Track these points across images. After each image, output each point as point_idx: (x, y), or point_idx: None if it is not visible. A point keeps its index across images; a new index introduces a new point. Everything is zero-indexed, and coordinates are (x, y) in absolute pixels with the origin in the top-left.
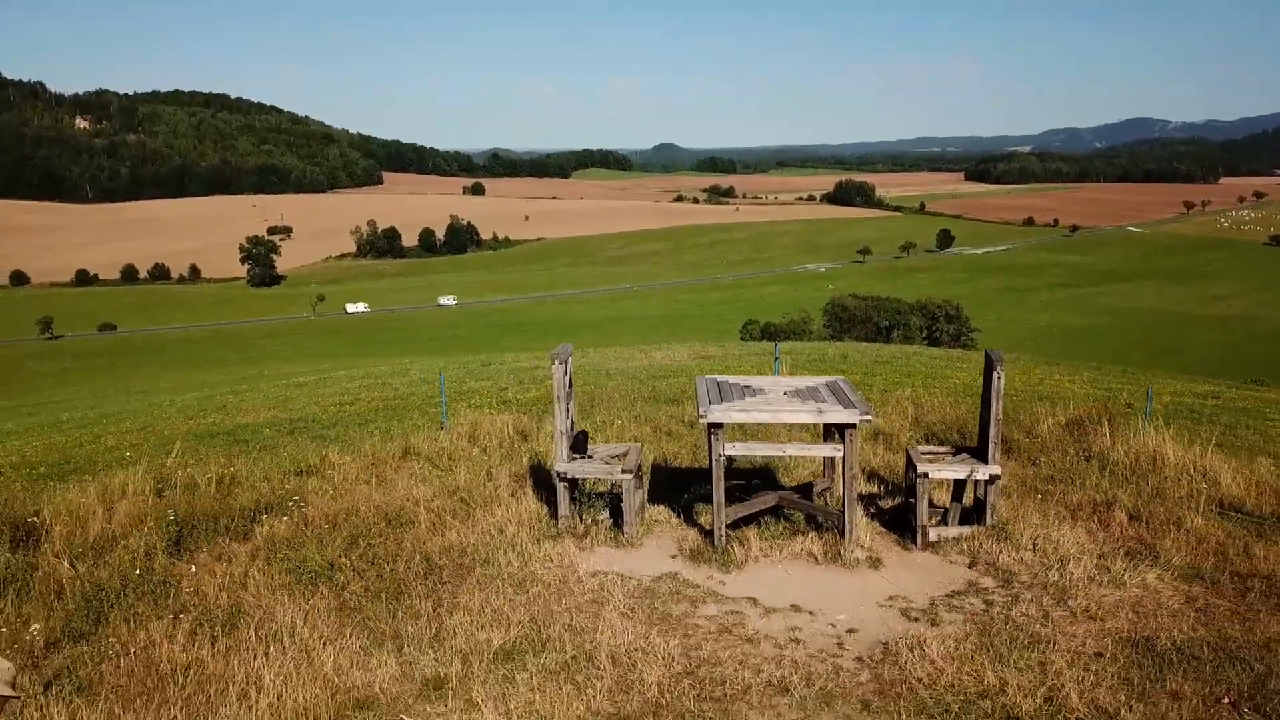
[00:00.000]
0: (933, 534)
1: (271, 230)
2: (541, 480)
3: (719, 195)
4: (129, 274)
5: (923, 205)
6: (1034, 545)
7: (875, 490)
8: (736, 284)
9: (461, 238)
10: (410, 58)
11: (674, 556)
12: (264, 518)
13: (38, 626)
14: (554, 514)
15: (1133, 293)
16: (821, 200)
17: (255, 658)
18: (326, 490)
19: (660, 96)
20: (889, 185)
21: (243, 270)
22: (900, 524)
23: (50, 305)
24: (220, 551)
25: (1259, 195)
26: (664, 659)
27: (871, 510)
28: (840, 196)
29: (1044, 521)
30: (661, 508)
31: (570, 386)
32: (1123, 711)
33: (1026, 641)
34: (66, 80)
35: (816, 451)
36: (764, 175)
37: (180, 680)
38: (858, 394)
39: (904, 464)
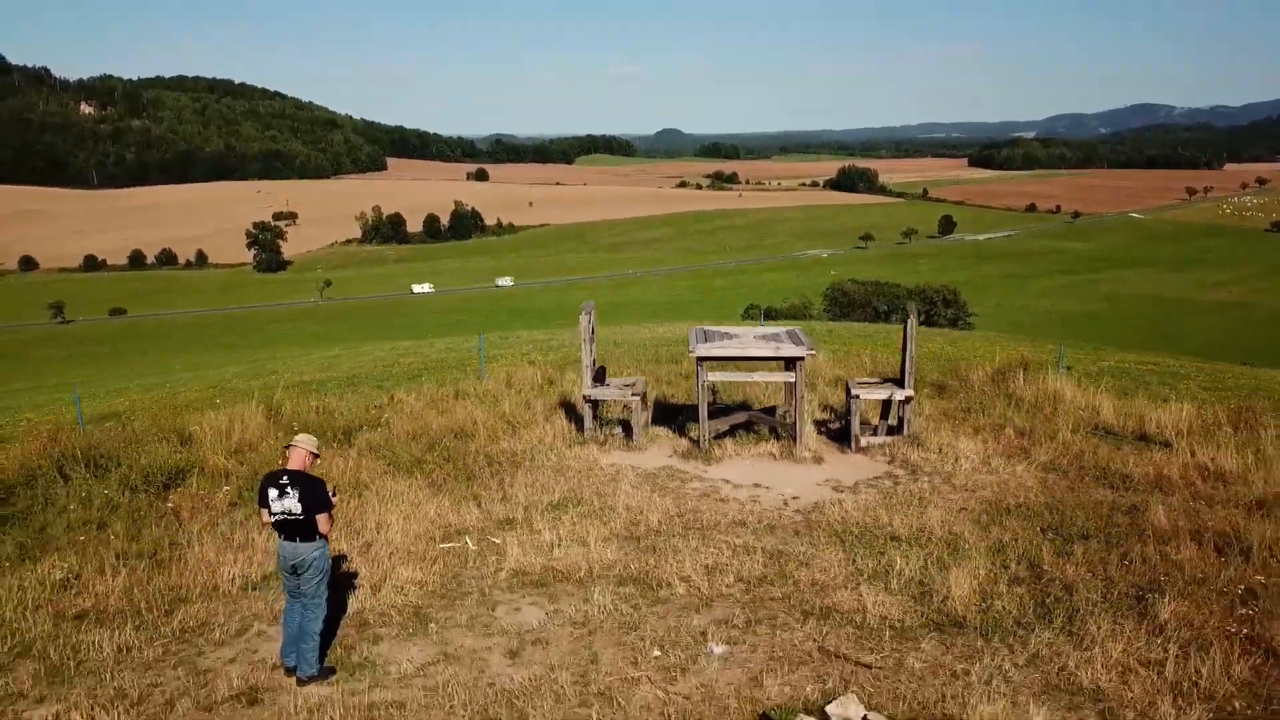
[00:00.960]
0: (863, 441)
1: (277, 216)
2: (568, 409)
3: (722, 181)
4: (136, 259)
5: (925, 191)
6: (939, 449)
7: (828, 418)
8: (738, 270)
9: (466, 223)
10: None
11: (670, 456)
12: (358, 433)
13: (219, 494)
14: (580, 429)
15: (1133, 279)
16: (824, 186)
17: (380, 509)
18: (402, 416)
19: (664, 82)
20: (892, 171)
21: (249, 256)
22: (842, 437)
23: (60, 290)
24: (332, 453)
25: (1261, 181)
26: (661, 509)
27: (822, 430)
28: (843, 183)
29: (952, 435)
30: (661, 428)
31: (593, 332)
32: (967, 534)
33: (915, 502)
34: (70, 66)
35: (776, 378)
36: (767, 161)
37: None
38: (808, 338)
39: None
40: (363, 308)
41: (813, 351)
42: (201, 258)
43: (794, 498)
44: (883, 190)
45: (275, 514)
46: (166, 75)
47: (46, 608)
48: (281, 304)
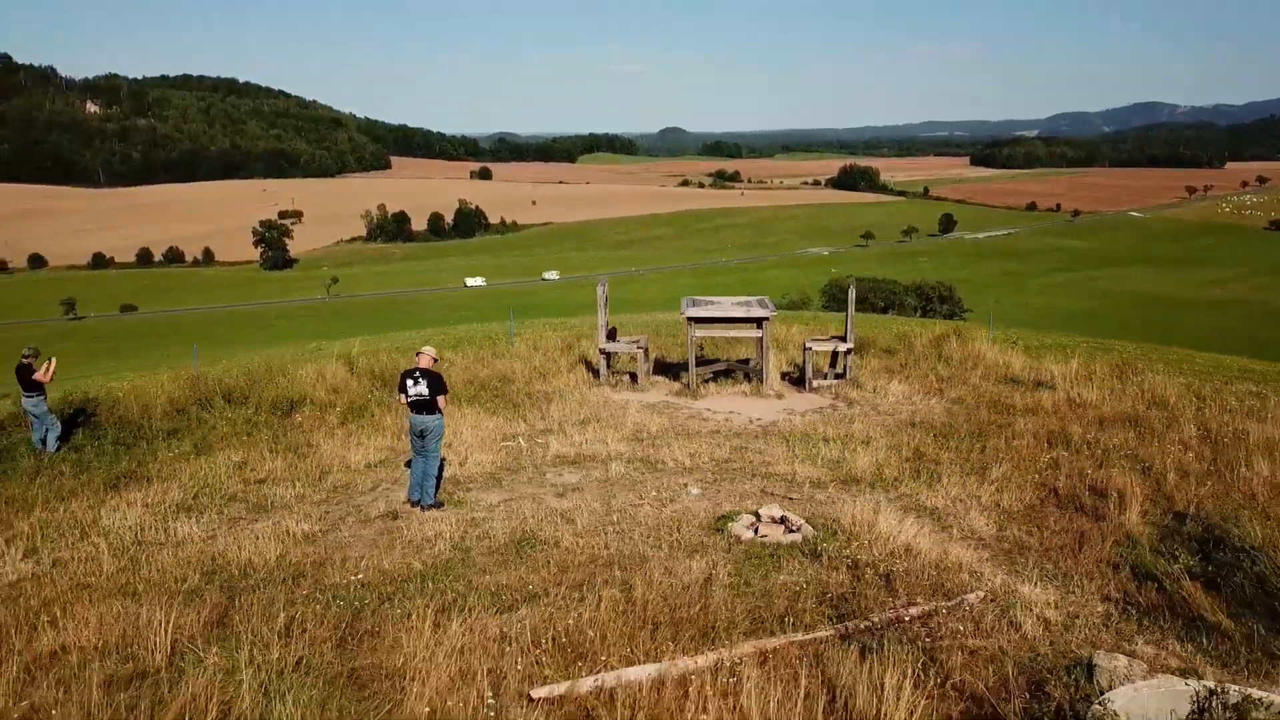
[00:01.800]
0: (814, 383)
1: (282, 214)
2: (586, 365)
3: (724, 179)
4: (144, 257)
5: (926, 190)
6: (873, 389)
7: (793, 370)
8: (740, 268)
9: (470, 222)
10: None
11: (666, 395)
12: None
13: (331, 414)
14: (596, 376)
15: (1130, 277)
16: (826, 185)
17: (452, 424)
18: (454, 369)
19: (667, 80)
20: (894, 170)
21: (255, 254)
22: (800, 382)
23: (70, 287)
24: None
25: (1262, 180)
26: (658, 424)
27: (786, 377)
28: (845, 181)
29: (886, 380)
30: (659, 377)
31: (606, 300)
32: (877, 436)
33: (846, 420)
34: (76, 65)
35: (748, 334)
36: (769, 160)
37: None
38: (772, 303)
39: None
40: (370, 304)
41: (775, 313)
42: (208, 255)
43: (757, 419)
44: (884, 189)
45: (411, 396)
46: (172, 74)
47: (235, 477)
48: (290, 301)
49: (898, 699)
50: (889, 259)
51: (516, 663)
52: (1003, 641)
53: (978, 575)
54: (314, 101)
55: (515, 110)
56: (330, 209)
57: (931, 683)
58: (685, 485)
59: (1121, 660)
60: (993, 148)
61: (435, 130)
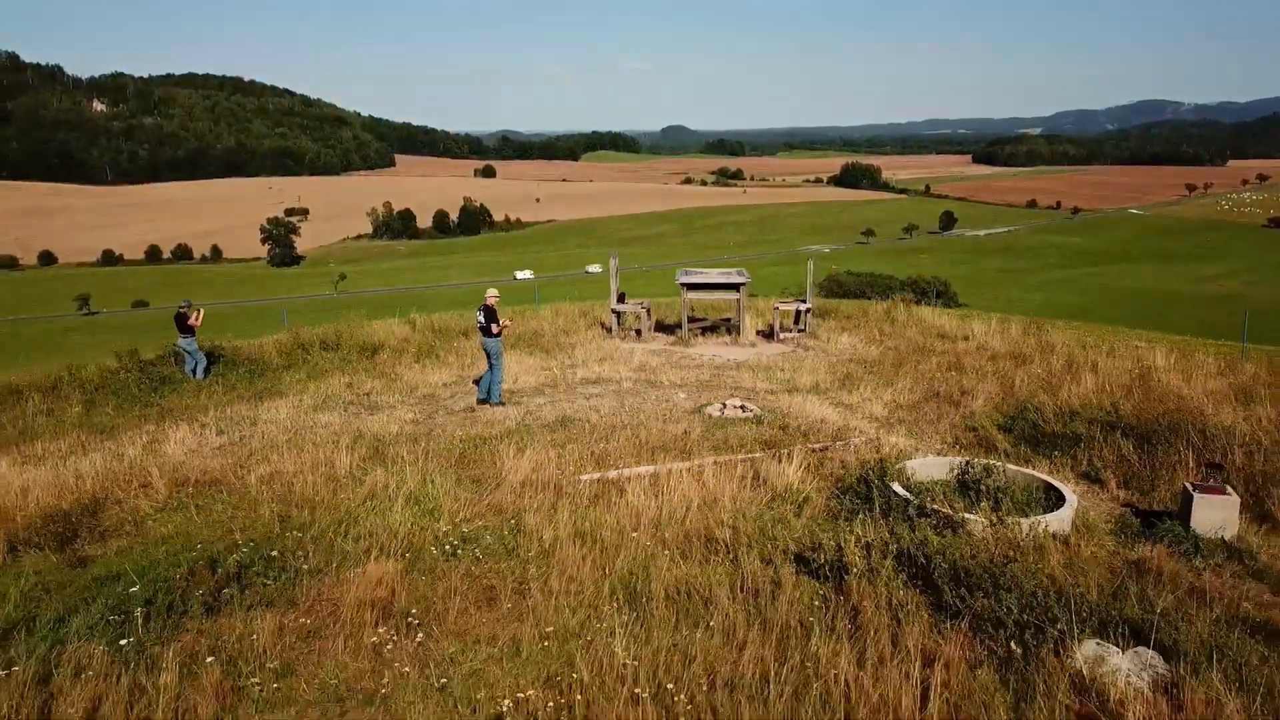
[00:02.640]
0: (781, 335)
1: (289, 212)
2: (600, 326)
3: (727, 177)
4: (153, 254)
5: (928, 188)
6: (827, 339)
7: (767, 329)
8: (741, 264)
9: (474, 219)
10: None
11: (664, 344)
12: (470, 335)
13: (407, 354)
14: (609, 332)
15: (1127, 273)
16: (828, 183)
17: (502, 361)
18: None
19: (671, 78)
20: (896, 168)
21: (263, 251)
22: (770, 335)
23: (82, 283)
24: (459, 342)
25: (1262, 178)
26: (657, 361)
27: (760, 333)
28: (847, 179)
29: (838, 335)
30: (659, 333)
31: (617, 270)
32: (822, 368)
33: (800, 359)
34: (82, 64)
35: (729, 296)
36: (772, 158)
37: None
38: (748, 274)
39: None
40: (379, 299)
41: (749, 280)
42: (216, 252)
43: (733, 359)
44: (886, 187)
45: (479, 324)
46: (177, 73)
47: (347, 391)
48: (299, 296)
49: (792, 476)
50: (889, 256)
51: (569, 466)
52: (866, 456)
53: (864, 432)
54: (319, 100)
55: (519, 108)
56: (336, 206)
57: (813, 472)
58: (676, 392)
59: (929, 455)
60: (995, 145)
61: (439, 128)
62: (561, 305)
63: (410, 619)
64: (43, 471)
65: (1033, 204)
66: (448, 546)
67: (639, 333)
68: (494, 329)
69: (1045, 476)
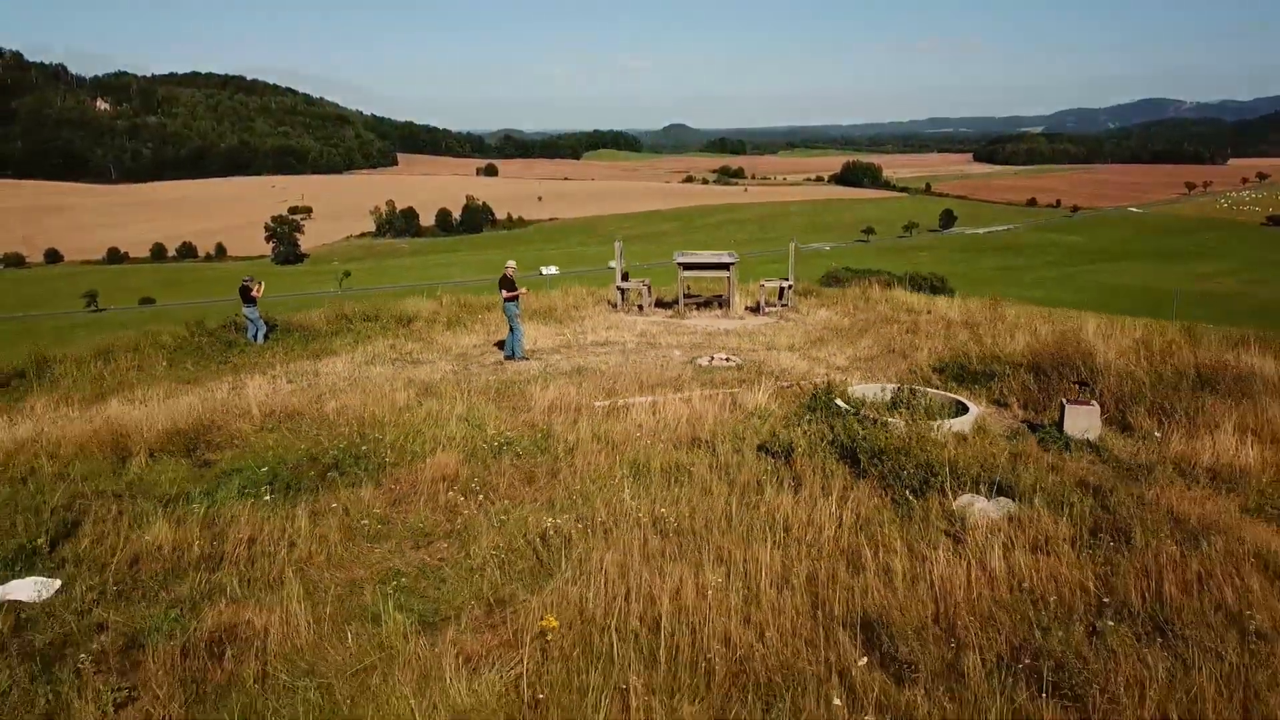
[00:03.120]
0: (766, 310)
1: (293, 210)
2: (607, 302)
3: (728, 175)
4: (158, 252)
5: (929, 186)
6: (806, 313)
7: (754, 305)
8: (742, 261)
9: (477, 217)
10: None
11: (663, 318)
12: (489, 310)
13: (439, 324)
14: (614, 308)
15: (1124, 271)
16: (830, 181)
17: (529, 331)
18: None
19: (672, 76)
20: (897, 167)
21: (267, 249)
22: (757, 310)
23: (87, 281)
24: (485, 315)
25: (1262, 176)
26: (657, 330)
27: (748, 308)
28: (848, 177)
29: (817, 310)
30: (658, 309)
31: (622, 252)
32: (799, 334)
33: (781, 327)
34: (85, 64)
35: (720, 275)
36: (773, 156)
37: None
38: (736, 256)
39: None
40: (382, 297)
41: (736, 260)
42: (221, 250)
43: (723, 328)
44: (887, 185)
45: (501, 291)
46: (180, 72)
47: (391, 351)
48: (304, 293)
49: (761, 400)
50: (889, 253)
51: (585, 396)
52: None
53: (826, 376)
54: (321, 99)
55: (520, 107)
56: (339, 205)
57: (778, 399)
58: (672, 351)
59: (874, 384)
60: (996, 144)
61: (441, 127)
62: (571, 286)
63: (472, 487)
64: (150, 408)
65: (1033, 202)
66: (494, 446)
67: (641, 307)
68: (505, 295)
69: (958, 397)
